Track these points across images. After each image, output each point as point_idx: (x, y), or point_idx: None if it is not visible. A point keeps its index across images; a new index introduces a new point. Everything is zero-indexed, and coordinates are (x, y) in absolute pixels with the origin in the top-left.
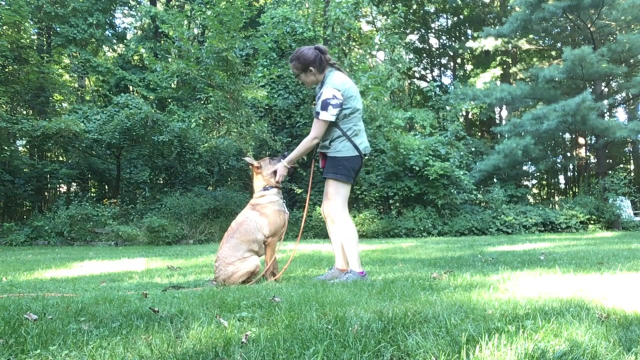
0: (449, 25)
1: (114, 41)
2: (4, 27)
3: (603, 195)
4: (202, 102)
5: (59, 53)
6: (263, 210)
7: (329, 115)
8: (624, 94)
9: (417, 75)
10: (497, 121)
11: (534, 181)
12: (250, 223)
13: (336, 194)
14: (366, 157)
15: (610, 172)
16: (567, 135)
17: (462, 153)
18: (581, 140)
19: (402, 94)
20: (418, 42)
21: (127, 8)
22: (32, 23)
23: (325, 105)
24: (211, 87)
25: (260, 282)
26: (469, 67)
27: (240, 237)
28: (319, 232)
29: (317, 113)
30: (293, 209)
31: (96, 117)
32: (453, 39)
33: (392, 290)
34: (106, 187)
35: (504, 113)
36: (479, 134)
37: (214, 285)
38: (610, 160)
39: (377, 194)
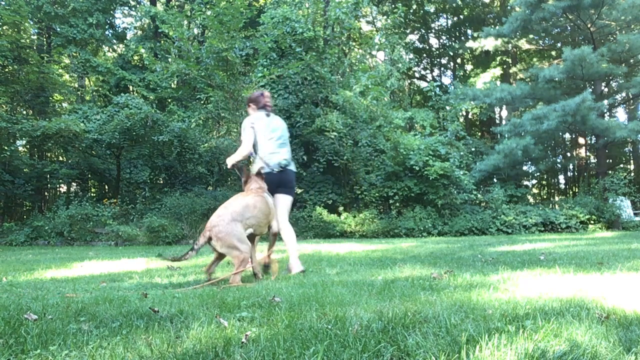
0: (449, 25)
1: (114, 41)
2: (4, 27)
3: (603, 195)
4: (202, 102)
5: (59, 53)
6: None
7: None
8: (624, 94)
9: (417, 75)
10: (497, 121)
11: (534, 181)
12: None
13: (289, 207)
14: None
15: (610, 172)
16: (567, 135)
17: (462, 153)
18: (581, 140)
19: (402, 94)
20: (418, 42)
21: (127, 8)
22: (32, 23)
23: None
24: (211, 87)
25: (261, 282)
26: (469, 67)
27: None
28: (319, 232)
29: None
30: (293, 209)
31: (96, 117)
32: (453, 39)
33: (392, 290)
34: (106, 187)
35: (504, 113)
36: (479, 134)
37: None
38: (610, 160)
39: (377, 194)
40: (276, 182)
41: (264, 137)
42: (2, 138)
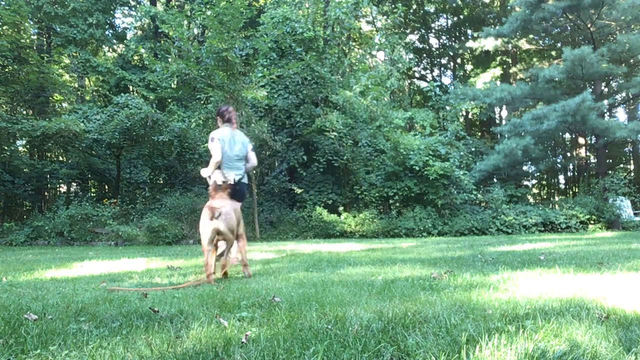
0: (449, 25)
1: (114, 41)
2: (4, 27)
3: (603, 195)
4: (202, 102)
5: (59, 53)
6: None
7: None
8: (624, 94)
9: (417, 75)
10: (497, 121)
11: (534, 181)
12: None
13: None
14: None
15: (610, 172)
16: (567, 135)
17: (462, 153)
18: (581, 140)
19: (402, 94)
20: (418, 42)
21: (127, 8)
22: (32, 23)
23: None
24: (211, 87)
25: (261, 282)
26: (469, 67)
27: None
28: (319, 232)
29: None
30: (293, 209)
31: (96, 117)
32: (453, 39)
33: (392, 290)
34: (106, 187)
35: (504, 113)
36: (479, 134)
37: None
38: (610, 160)
39: (377, 194)
40: (230, 193)
41: (225, 152)
42: (2, 138)
